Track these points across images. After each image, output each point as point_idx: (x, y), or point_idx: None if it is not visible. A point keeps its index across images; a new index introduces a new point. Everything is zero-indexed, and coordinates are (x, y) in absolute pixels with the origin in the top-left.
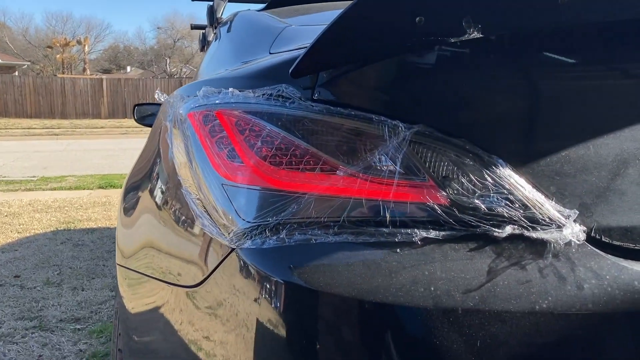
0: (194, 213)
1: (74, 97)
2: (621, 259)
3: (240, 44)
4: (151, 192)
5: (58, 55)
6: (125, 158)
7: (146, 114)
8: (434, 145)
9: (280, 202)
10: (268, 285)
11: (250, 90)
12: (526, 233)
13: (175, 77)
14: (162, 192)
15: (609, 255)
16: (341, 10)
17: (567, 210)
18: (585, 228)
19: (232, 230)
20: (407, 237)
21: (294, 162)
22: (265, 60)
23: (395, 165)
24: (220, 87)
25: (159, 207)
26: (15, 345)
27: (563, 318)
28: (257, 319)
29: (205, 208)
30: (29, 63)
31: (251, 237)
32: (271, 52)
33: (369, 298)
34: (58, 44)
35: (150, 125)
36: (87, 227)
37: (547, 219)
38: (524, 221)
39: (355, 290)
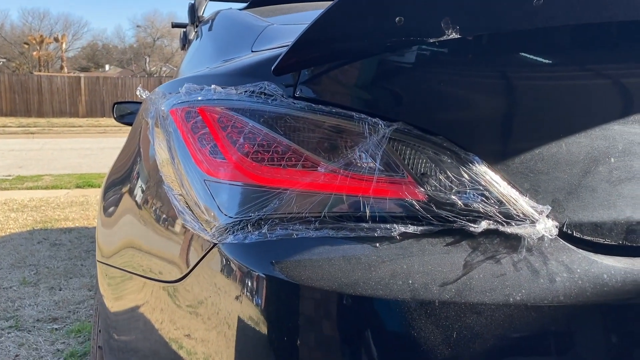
0: (175, 209)
1: (51, 95)
2: (591, 253)
3: (221, 42)
4: (132, 189)
5: (35, 53)
6: (104, 157)
7: (125, 113)
8: (413, 143)
9: (262, 197)
10: (250, 280)
11: (233, 88)
12: (501, 228)
13: (154, 75)
14: (143, 190)
15: (580, 250)
16: (323, 9)
17: (540, 206)
18: (557, 223)
19: (214, 225)
20: (386, 232)
21: (275, 159)
22: (248, 57)
23: (375, 161)
24: (203, 84)
25: (140, 204)
26: None
27: (536, 310)
28: (239, 314)
29: (187, 204)
30: (4, 60)
31: (233, 232)
32: (253, 50)
33: (349, 291)
34: (34, 41)
35: (129, 124)
36: (65, 226)
37: (521, 215)
38: (499, 216)
39: (335, 283)
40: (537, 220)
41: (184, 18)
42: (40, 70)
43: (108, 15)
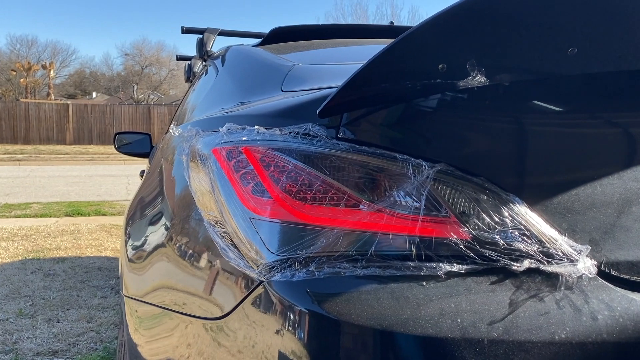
0: (218, 246)
1: (38, 122)
2: (629, 292)
3: (244, 80)
4: (164, 227)
5: (22, 80)
6: (92, 185)
7: (126, 142)
8: (455, 183)
9: (309, 236)
10: (299, 318)
11: (277, 129)
12: (542, 267)
13: (142, 103)
14: (178, 227)
15: (618, 288)
16: (371, 56)
17: (579, 245)
18: (596, 262)
19: (261, 263)
20: (432, 270)
21: (322, 198)
22: (283, 98)
23: (420, 201)
24: (243, 124)
25: (175, 242)
26: None
27: (580, 348)
28: (287, 352)
29: (231, 241)
30: None
31: (280, 270)
32: (284, 90)
33: (400, 330)
34: (22, 68)
35: (129, 154)
36: (57, 256)
37: (561, 254)
38: (540, 256)
39: (386, 322)
40: (576, 260)
41: (172, 47)
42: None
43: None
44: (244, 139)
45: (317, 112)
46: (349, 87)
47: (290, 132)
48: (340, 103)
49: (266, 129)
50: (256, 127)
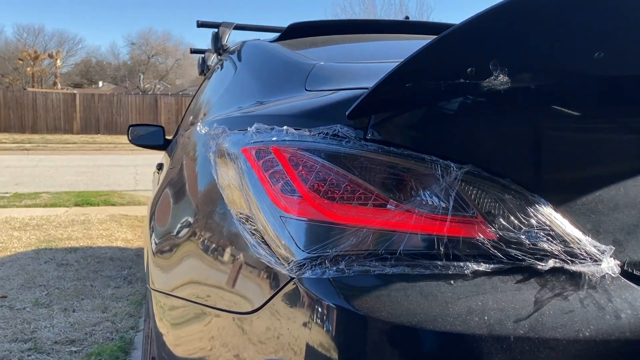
0: (249, 243)
1: (46, 111)
2: None
3: (265, 77)
4: (189, 223)
5: (28, 69)
6: (100, 175)
7: (139, 135)
8: (482, 184)
9: (339, 234)
10: (330, 314)
11: (306, 130)
12: (566, 266)
13: (149, 93)
14: (204, 223)
15: None
16: (400, 60)
17: (603, 245)
18: (619, 262)
19: (292, 260)
20: (459, 269)
21: (350, 197)
22: (309, 98)
23: (448, 202)
24: (271, 124)
25: (202, 237)
26: None
27: (604, 345)
28: (316, 346)
29: (262, 239)
30: None
31: (311, 268)
32: (307, 89)
33: (428, 327)
34: (29, 57)
35: (143, 146)
36: (69, 245)
37: (585, 254)
38: (564, 255)
39: (415, 319)
40: (600, 259)
41: (179, 37)
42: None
43: (103, 32)
44: (273, 139)
45: (347, 113)
46: (378, 89)
47: (319, 133)
48: (369, 104)
49: (295, 129)
50: (285, 127)
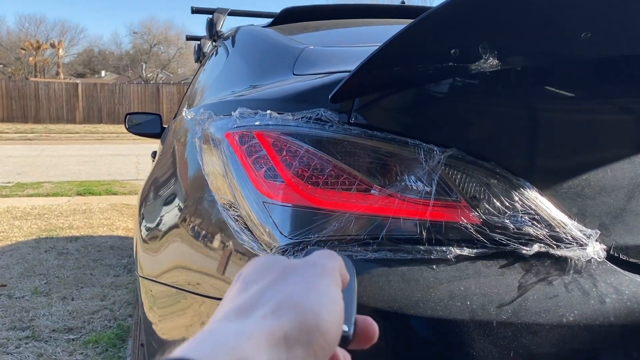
0: (232, 229)
1: (48, 101)
2: (638, 275)
3: (256, 62)
4: (177, 209)
5: (31, 58)
6: (102, 164)
7: (136, 123)
8: (466, 168)
9: (321, 220)
10: None
11: (289, 114)
12: (551, 251)
13: (151, 82)
14: (192, 209)
15: (627, 272)
16: (383, 42)
17: (589, 230)
18: (604, 246)
19: (274, 246)
20: (442, 254)
21: (333, 183)
22: (295, 82)
23: (431, 186)
24: (255, 108)
25: (189, 223)
26: (10, 355)
27: (588, 330)
28: None
29: (245, 225)
30: (0, 66)
31: (293, 253)
32: (295, 73)
33: (409, 312)
34: (31, 47)
35: (140, 134)
36: (70, 235)
37: (570, 238)
38: (549, 240)
39: (396, 304)
40: (585, 244)
41: (181, 25)
42: (36, 76)
43: (105, 21)
44: (256, 123)
45: (329, 97)
46: (361, 72)
47: (302, 117)
48: (352, 88)
49: (278, 113)
50: (268, 111)
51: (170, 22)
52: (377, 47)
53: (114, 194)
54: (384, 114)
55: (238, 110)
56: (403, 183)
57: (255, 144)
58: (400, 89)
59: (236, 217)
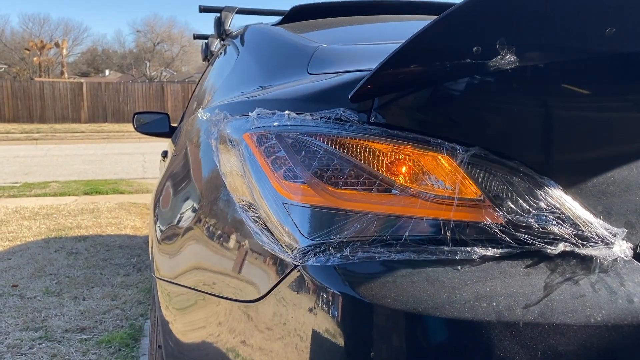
0: (251, 230)
1: (53, 100)
2: None
3: (268, 62)
4: (193, 210)
5: (35, 58)
6: (108, 163)
7: (144, 122)
8: (489, 167)
9: (342, 221)
10: (335, 301)
11: (308, 114)
12: (577, 250)
13: (155, 80)
14: (208, 210)
15: None
16: (403, 41)
17: (615, 228)
18: (631, 245)
19: (296, 247)
20: (466, 254)
21: (354, 183)
22: (311, 82)
23: (454, 185)
24: (273, 108)
25: (205, 224)
26: (24, 356)
27: (617, 330)
28: (320, 333)
29: (265, 226)
30: (5, 66)
31: (315, 255)
32: (310, 72)
33: (435, 314)
34: (35, 47)
35: (148, 133)
36: (79, 234)
37: (596, 237)
38: (574, 239)
39: (422, 306)
40: (612, 242)
41: (184, 23)
42: (40, 76)
43: (108, 20)
44: (275, 124)
45: (349, 96)
46: (382, 71)
47: (321, 117)
48: (372, 87)
49: (297, 114)
50: (286, 112)
51: (173, 20)
52: (398, 45)
53: (121, 192)
54: (405, 112)
55: (255, 111)
56: (425, 183)
57: (274, 145)
58: (421, 87)
59: (256, 219)
